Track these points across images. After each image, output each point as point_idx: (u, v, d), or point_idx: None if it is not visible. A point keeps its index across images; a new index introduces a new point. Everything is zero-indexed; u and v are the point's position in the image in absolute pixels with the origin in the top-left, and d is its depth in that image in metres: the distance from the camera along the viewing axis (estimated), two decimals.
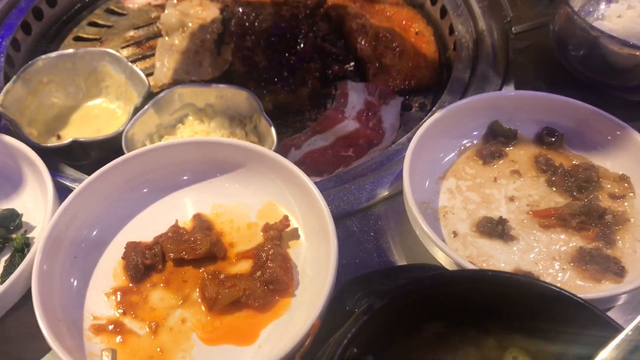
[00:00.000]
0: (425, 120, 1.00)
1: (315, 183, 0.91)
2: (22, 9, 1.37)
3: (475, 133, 1.06)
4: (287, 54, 1.28)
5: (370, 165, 1.07)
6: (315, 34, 1.33)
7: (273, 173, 0.94)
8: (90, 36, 1.43)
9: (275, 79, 1.23)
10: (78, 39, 1.43)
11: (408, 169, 0.93)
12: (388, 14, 1.46)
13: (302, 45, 1.29)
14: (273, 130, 1.08)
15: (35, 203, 0.98)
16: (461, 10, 1.36)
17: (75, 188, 1.00)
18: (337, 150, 1.19)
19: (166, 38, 1.35)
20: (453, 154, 1.04)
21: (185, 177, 0.97)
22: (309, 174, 1.11)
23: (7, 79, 1.22)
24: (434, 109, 1.14)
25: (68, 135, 1.19)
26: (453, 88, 1.21)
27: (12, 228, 0.94)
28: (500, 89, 1.20)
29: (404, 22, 1.45)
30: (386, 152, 1.09)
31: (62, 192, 1.00)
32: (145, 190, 0.95)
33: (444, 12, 1.41)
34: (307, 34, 1.31)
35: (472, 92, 1.18)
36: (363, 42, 1.35)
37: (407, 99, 1.31)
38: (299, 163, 1.14)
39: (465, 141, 1.05)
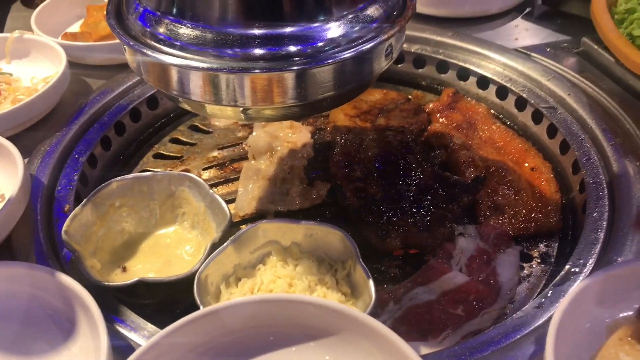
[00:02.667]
0: (571, 289, 0.79)
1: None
2: (105, 123, 1.29)
3: (627, 304, 0.84)
4: (405, 185, 1.12)
5: (491, 337, 0.85)
6: (431, 162, 1.17)
7: (374, 346, 0.75)
8: (171, 154, 1.34)
9: (401, 214, 1.07)
10: (158, 156, 1.34)
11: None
12: (498, 145, 1.30)
13: (420, 174, 1.13)
14: (371, 283, 0.89)
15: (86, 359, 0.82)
16: (588, 147, 1.18)
17: (131, 339, 0.86)
18: (444, 307, 0.98)
19: (252, 162, 1.23)
20: (600, 332, 0.82)
21: (264, 341, 0.78)
22: (410, 335, 0.92)
23: (78, 199, 1.12)
24: (577, 270, 0.94)
25: (134, 266, 1.05)
26: (589, 240, 1.00)
27: None
28: None
29: (516, 156, 1.27)
30: (509, 323, 0.87)
31: (116, 340, 0.84)
32: (217, 356, 0.77)
33: (564, 147, 1.23)
34: (423, 162, 1.16)
35: (614, 248, 0.97)
36: (473, 177, 1.18)
37: (525, 247, 1.11)
38: (399, 320, 0.96)
39: (617, 314, 0.83)
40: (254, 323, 0.78)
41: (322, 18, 0.83)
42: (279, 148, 1.25)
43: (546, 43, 1.50)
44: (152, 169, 1.29)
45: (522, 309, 0.90)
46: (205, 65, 0.82)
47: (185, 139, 1.38)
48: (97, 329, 0.78)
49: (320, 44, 0.83)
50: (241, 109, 0.91)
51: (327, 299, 0.92)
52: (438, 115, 1.35)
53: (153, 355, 0.74)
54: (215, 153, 1.32)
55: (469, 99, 1.42)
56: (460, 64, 1.45)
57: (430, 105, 1.38)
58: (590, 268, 0.95)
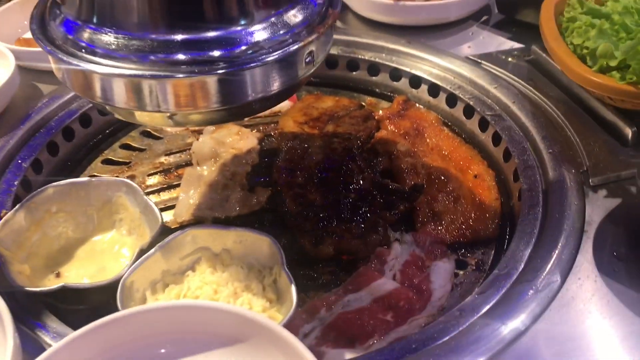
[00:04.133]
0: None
1: None
2: (51, 128, 1.29)
3: None
4: (344, 191, 1.13)
5: (408, 344, 0.85)
6: (373, 169, 1.18)
7: (282, 354, 0.75)
8: (120, 159, 1.34)
9: (337, 221, 1.08)
10: (107, 161, 1.34)
11: None
12: (444, 152, 1.30)
13: (360, 181, 1.14)
14: (294, 289, 0.90)
15: None
16: (528, 155, 1.19)
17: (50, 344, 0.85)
18: (374, 313, 0.99)
19: (197, 168, 1.23)
20: None
21: (163, 350, 0.78)
22: (338, 341, 0.93)
23: (17, 203, 1.11)
24: (503, 275, 0.94)
25: (68, 272, 1.05)
26: (518, 246, 1.00)
27: None
28: (576, 251, 0.99)
29: (461, 163, 1.28)
30: (429, 330, 0.87)
31: (35, 351, 0.84)
32: None
33: (507, 155, 1.23)
34: (365, 169, 1.16)
35: (541, 252, 0.97)
36: (412, 184, 1.19)
37: (461, 254, 1.11)
38: (329, 327, 0.96)
39: None
40: (166, 329, 0.78)
41: (243, 22, 0.84)
42: (223, 154, 1.25)
43: (499, 51, 1.50)
44: (98, 175, 1.29)
45: (444, 315, 0.91)
46: (127, 72, 0.82)
47: (135, 145, 1.38)
48: (4, 332, 0.78)
49: (242, 47, 0.83)
50: (167, 114, 0.91)
51: (252, 305, 0.92)
52: (387, 122, 1.36)
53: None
54: (162, 159, 1.32)
55: (419, 106, 1.43)
56: (413, 71, 1.46)
57: (380, 112, 1.39)
58: (517, 275, 0.95)
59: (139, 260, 0.94)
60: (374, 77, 1.52)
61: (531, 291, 0.91)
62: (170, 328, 0.78)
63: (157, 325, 0.78)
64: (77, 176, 1.30)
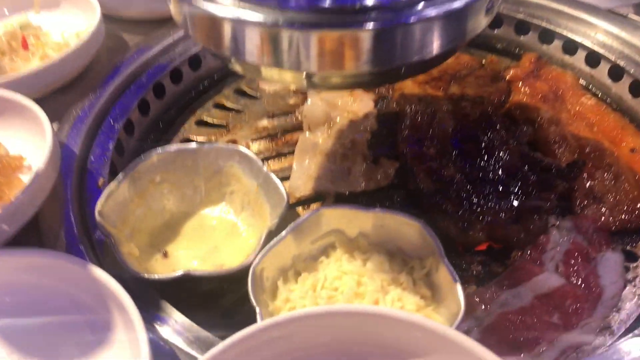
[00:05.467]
0: None
1: None
2: (142, 85, 1.15)
3: None
4: (489, 166, 0.96)
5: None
6: (518, 139, 1.00)
7: None
8: (215, 121, 1.19)
9: (484, 202, 0.91)
10: (201, 123, 1.20)
11: None
12: (589, 120, 1.12)
13: (506, 154, 0.97)
14: (459, 288, 0.75)
15: None
16: None
17: (174, 343, 0.73)
18: (537, 314, 0.83)
19: (308, 134, 1.07)
20: None
21: None
22: (501, 348, 0.78)
23: (113, 172, 0.99)
24: None
25: (177, 251, 0.92)
26: None
27: None
28: None
29: (612, 134, 1.10)
30: (621, 345, 0.72)
31: (155, 343, 0.72)
32: None
33: None
34: (506, 139, 0.99)
35: None
36: (564, 159, 1.02)
37: (627, 243, 0.95)
38: (489, 330, 0.81)
39: None
40: (324, 339, 0.64)
41: None
42: (337, 119, 1.09)
43: None
44: (194, 138, 1.15)
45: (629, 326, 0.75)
46: (264, 19, 0.67)
47: (230, 105, 1.23)
48: (136, 338, 0.65)
49: None
50: (305, 74, 0.75)
51: (403, 302, 0.78)
52: (520, 83, 1.17)
53: None
54: (265, 122, 1.17)
55: (553, 66, 1.24)
56: (544, 24, 1.26)
57: (511, 71, 1.21)
58: None
59: (269, 244, 0.80)
60: (495, 30, 1.33)
61: None
62: (330, 338, 0.64)
63: (316, 335, 0.64)
64: (171, 139, 1.16)
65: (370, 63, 0.70)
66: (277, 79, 0.87)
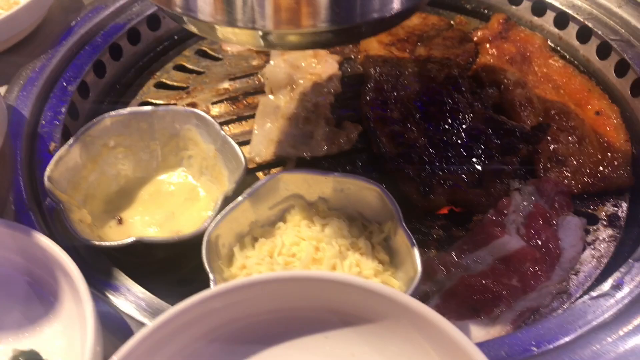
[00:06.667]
0: None
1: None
2: (98, 45, 1.10)
3: None
4: (452, 130, 0.94)
5: (560, 323, 0.70)
6: (483, 102, 0.99)
7: (424, 339, 0.60)
8: (175, 83, 1.15)
9: (447, 166, 0.90)
10: (160, 85, 1.16)
11: None
12: (556, 83, 1.11)
13: (470, 117, 0.95)
14: (416, 253, 0.73)
15: (70, 341, 0.67)
16: None
17: (126, 312, 0.71)
18: (497, 276, 0.83)
19: (270, 97, 1.04)
20: None
21: (289, 326, 0.64)
22: (460, 311, 0.78)
23: (66, 136, 0.95)
24: None
25: (132, 217, 0.90)
26: None
27: None
28: None
29: (578, 97, 1.09)
30: (582, 306, 0.72)
31: (107, 311, 0.70)
32: (231, 344, 0.63)
33: (638, 88, 1.04)
34: (473, 103, 0.97)
35: None
36: (529, 122, 1.00)
37: (589, 206, 0.95)
38: (450, 294, 0.81)
39: None
40: (279, 304, 0.63)
41: None
42: (300, 81, 1.06)
43: None
44: (153, 101, 1.11)
45: (596, 288, 0.75)
46: None
47: (191, 66, 1.19)
48: (82, 305, 0.63)
49: None
50: (261, 32, 0.72)
51: (361, 267, 0.77)
52: (487, 45, 1.15)
53: (154, 341, 0.59)
54: (226, 84, 1.13)
55: (522, 27, 1.21)
56: None
57: (479, 33, 1.18)
58: None
59: (225, 209, 0.78)
60: None
61: None
62: (283, 304, 0.63)
63: (269, 300, 0.63)
64: (128, 102, 1.12)
65: (328, 21, 0.67)
66: (233, 39, 0.83)
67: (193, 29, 0.77)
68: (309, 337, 0.64)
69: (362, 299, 0.61)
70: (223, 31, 0.74)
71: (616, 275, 0.76)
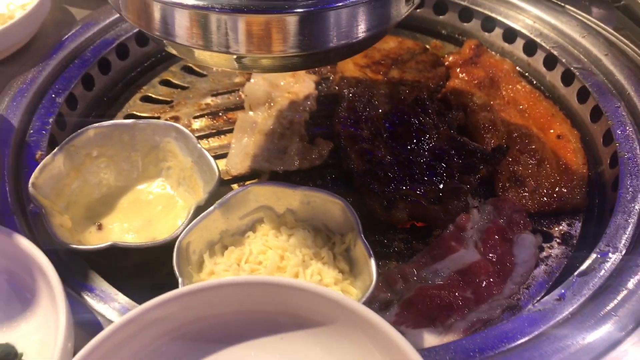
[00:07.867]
0: None
1: None
2: (87, 59, 1.16)
3: None
4: (417, 149, 1.00)
5: (503, 332, 0.75)
6: (448, 124, 1.05)
7: (370, 341, 0.65)
8: (160, 97, 1.21)
9: (410, 183, 0.95)
10: (146, 99, 1.21)
11: None
12: (521, 107, 1.17)
13: (435, 137, 1.01)
14: (373, 263, 0.79)
15: (44, 337, 0.72)
16: (622, 116, 1.05)
17: (99, 311, 0.76)
18: (453, 288, 0.88)
19: (250, 113, 1.10)
20: None
21: (248, 327, 0.69)
22: (417, 319, 0.83)
23: (53, 145, 1.00)
24: (604, 258, 0.83)
25: (111, 224, 0.95)
26: (619, 223, 0.89)
27: None
28: None
29: (541, 121, 1.15)
30: (525, 316, 0.77)
31: (82, 312, 0.75)
32: (192, 343, 0.68)
33: (596, 114, 1.10)
34: (439, 124, 1.03)
35: None
36: (492, 143, 1.06)
37: (545, 224, 1.00)
38: (408, 304, 0.86)
39: None
40: (239, 307, 0.68)
41: None
42: (278, 99, 1.12)
43: None
44: (138, 114, 1.17)
45: (540, 301, 0.80)
46: (193, 2, 0.69)
47: (176, 82, 1.25)
48: (56, 303, 0.68)
49: None
50: (235, 56, 0.78)
51: (322, 275, 0.82)
52: (458, 69, 1.22)
53: (119, 338, 0.64)
54: (209, 100, 1.19)
55: (492, 53, 1.28)
56: (486, 12, 1.30)
57: (450, 57, 1.24)
58: (620, 257, 0.85)
59: (197, 219, 0.83)
60: (440, 17, 1.36)
61: None
62: (242, 307, 0.68)
63: (229, 302, 0.68)
64: (114, 114, 1.18)
65: (297, 47, 0.73)
66: (210, 62, 0.89)
67: (173, 51, 0.83)
68: (266, 338, 0.69)
69: (314, 304, 0.67)
70: (200, 54, 0.80)
71: (560, 289, 0.81)
